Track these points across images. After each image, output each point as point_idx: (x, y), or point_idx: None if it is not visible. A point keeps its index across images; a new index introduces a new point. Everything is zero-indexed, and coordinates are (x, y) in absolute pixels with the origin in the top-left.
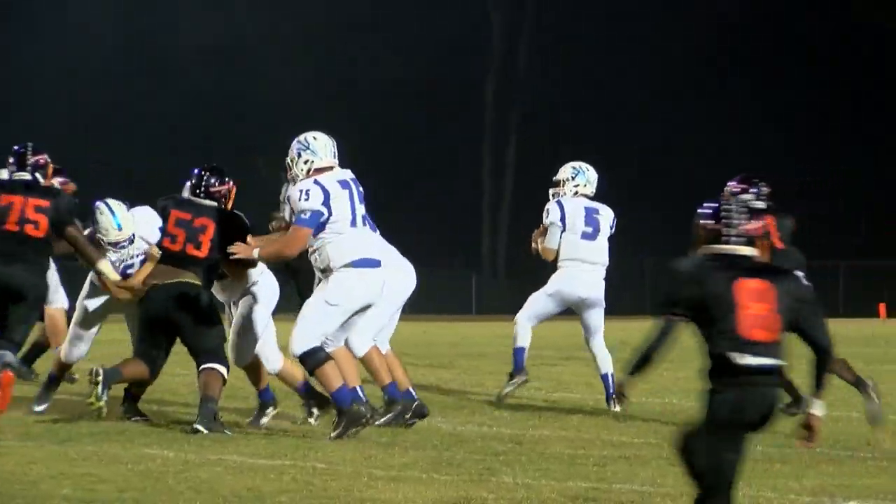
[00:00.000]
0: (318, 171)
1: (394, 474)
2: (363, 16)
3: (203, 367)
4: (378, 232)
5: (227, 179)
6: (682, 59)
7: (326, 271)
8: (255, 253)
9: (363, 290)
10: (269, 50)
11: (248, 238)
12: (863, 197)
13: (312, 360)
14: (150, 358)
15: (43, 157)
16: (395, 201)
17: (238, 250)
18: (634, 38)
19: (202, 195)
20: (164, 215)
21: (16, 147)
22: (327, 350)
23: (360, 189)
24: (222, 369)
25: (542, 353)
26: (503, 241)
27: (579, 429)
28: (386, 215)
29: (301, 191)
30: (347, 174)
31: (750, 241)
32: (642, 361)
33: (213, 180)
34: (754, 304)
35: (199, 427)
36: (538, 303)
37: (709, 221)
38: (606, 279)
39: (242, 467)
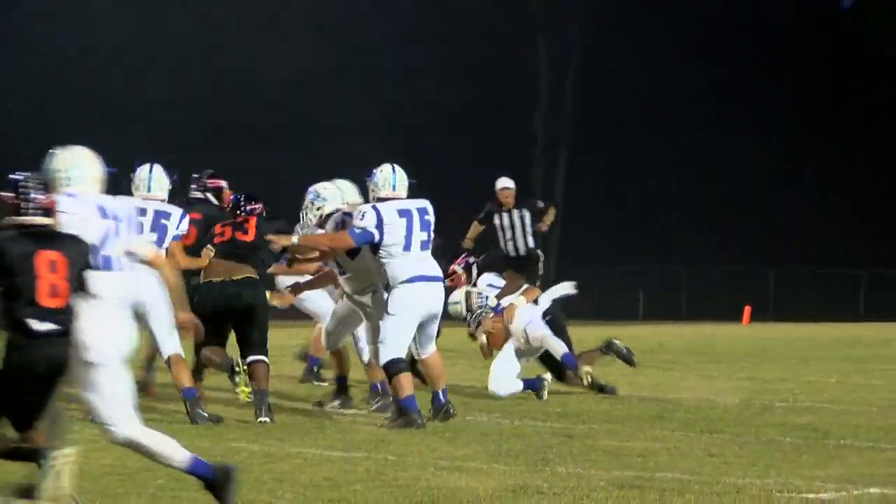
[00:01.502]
0: (378, 199)
1: (457, 465)
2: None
3: (254, 359)
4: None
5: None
6: (728, 77)
7: (387, 288)
8: (294, 239)
9: (420, 301)
10: (335, 82)
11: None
12: (891, 205)
13: (393, 368)
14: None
15: (216, 182)
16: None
17: (277, 240)
18: (679, 70)
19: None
20: None
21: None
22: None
23: (427, 217)
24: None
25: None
26: (552, 261)
27: (624, 423)
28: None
29: (360, 211)
30: (412, 204)
31: (46, 213)
32: None
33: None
34: (49, 275)
35: (268, 420)
36: None
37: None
38: (645, 286)
39: (320, 459)
